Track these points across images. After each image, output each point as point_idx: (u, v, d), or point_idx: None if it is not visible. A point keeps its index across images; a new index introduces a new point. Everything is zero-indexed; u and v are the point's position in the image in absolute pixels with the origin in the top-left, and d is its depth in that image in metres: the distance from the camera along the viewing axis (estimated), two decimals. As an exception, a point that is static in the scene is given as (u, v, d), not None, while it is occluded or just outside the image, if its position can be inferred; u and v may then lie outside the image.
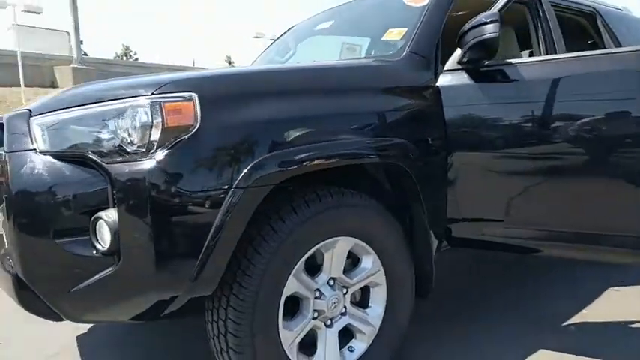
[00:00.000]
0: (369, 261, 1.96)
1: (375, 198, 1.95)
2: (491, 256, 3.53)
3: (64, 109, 1.61)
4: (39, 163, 1.55)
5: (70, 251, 1.51)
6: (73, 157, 1.54)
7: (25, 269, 1.53)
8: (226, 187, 1.52)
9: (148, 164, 1.47)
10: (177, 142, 1.50)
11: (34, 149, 1.57)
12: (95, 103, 1.57)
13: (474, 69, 2.15)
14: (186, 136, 1.50)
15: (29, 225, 1.52)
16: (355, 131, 1.85)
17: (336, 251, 1.85)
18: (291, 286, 1.73)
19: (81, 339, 2.51)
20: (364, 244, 1.92)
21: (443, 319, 2.56)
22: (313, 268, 1.85)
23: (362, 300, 2.04)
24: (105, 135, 1.52)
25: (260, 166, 1.56)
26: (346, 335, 1.97)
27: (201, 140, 1.52)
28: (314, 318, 1.84)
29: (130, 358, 2.30)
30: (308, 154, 1.67)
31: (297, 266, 1.73)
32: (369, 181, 2.07)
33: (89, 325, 2.64)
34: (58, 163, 1.54)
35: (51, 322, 1.70)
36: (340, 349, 1.93)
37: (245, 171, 1.54)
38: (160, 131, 1.48)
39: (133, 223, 1.46)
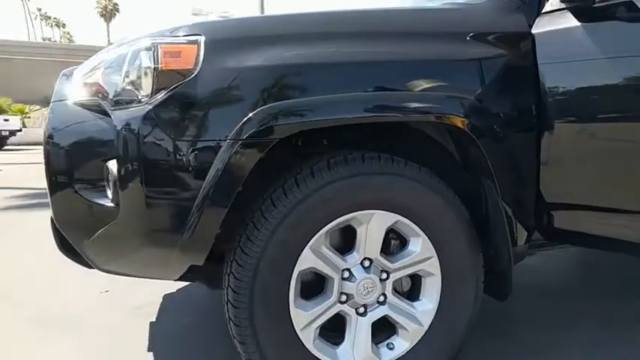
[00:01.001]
0: (418, 244, 1.62)
1: (431, 169, 1.60)
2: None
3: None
4: (67, 112, 1.60)
5: (87, 199, 1.53)
6: (93, 106, 1.56)
7: (55, 214, 1.60)
8: (222, 138, 1.37)
9: (142, 111, 1.40)
10: (175, 88, 1.39)
11: (67, 100, 1.64)
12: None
13: (584, 7, 1.62)
14: (185, 81, 1.39)
15: (56, 170, 1.57)
16: (395, 82, 1.53)
17: (370, 227, 1.56)
18: (306, 261, 1.50)
19: (166, 296, 2.62)
20: (409, 222, 1.59)
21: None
22: (348, 245, 1.60)
23: (411, 291, 1.71)
24: (113, 81, 1.50)
25: (260, 116, 1.37)
26: (389, 330, 1.68)
27: (201, 86, 1.40)
28: (341, 302, 1.58)
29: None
30: (324, 107, 1.43)
31: (315, 238, 1.50)
32: (425, 150, 1.72)
33: (179, 284, 2.75)
34: (82, 112, 1.57)
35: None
36: (377, 343, 1.65)
37: (245, 120, 1.37)
38: (155, 75, 1.40)
39: (128, 173, 1.41)
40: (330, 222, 1.51)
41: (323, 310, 1.56)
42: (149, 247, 1.46)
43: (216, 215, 1.39)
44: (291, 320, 1.51)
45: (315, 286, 1.60)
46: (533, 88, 1.65)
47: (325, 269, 1.54)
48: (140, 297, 2.60)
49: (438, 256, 1.63)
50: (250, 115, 1.37)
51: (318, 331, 1.57)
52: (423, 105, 1.55)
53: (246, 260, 1.45)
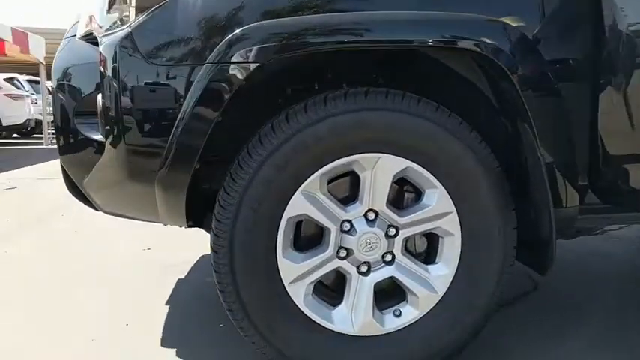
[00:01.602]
0: (433, 197, 1.38)
1: (451, 109, 1.36)
2: None
3: None
4: (71, 48, 1.57)
5: (83, 134, 1.49)
6: (93, 39, 1.51)
7: (59, 151, 1.58)
8: (202, 61, 1.24)
9: (121, 35, 1.31)
10: (155, 10, 1.28)
11: (74, 36, 1.61)
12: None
13: None
14: (166, 2, 1.28)
15: (58, 105, 1.55)
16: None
17: (375, 174, 1.35)
18: (298, 207, 1.33)
19: (203, 257, 2.60)
20: (422, 170, 1.36)
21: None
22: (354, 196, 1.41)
23: (428, 254, 1.47)
24: (101, 10, 1.43)
25: (244, 36, 1.22)
26: (400, 297, 1.46)
27: (182, 6, 1.28)
28: (340, 257, 1.40)
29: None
30: (327, 27, 1.24)
31: (308, 182, 1.32)
32: (453, 89, 1.46)
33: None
34: (83, 46, 1.54)
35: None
36: (383, 309, 1.44)
37: (225, 41, 1.23)
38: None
39: (108, 101, 1.33)
40: (326, 165, 1.32)
41: (317, 264, 1.37)
42: (131, 183, 1.37)
43: (193, 147, 1.27)
44: (278, 271, 1.35)
45: (316, 239, 1.43)
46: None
47: (321, 218, 1.36)
48: (179, 256, 2.61)
49: (458, 212, 1.38)
50: (231, 36, 1.23)
51: (312, 287, 1.39)
52: (458, 30, 1.30)
53: (228, 200, 1.31)
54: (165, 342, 1.75)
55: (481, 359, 1.58)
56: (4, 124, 10.63)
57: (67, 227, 3.34)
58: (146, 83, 1.29)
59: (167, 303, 2.08)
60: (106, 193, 1.52)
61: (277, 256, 1.35)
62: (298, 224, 1.41)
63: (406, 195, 1.45)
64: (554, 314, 1.93)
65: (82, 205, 1.72)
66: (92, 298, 2.15)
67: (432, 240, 1.46)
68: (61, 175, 1.68)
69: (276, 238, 1.34)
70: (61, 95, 1.54)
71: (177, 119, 1.27)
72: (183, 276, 2.37)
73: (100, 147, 1.43)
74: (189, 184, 1.32)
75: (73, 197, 1.71)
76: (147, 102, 1.29)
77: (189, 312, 2.00)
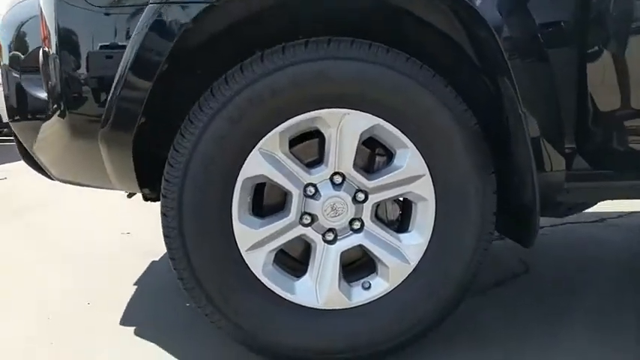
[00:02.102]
0: (405, 158, 1.26)
1: (425, 62, 1.24)
2: None
3: None
4: (19, 4, 1.47)
5: (30, 93, 1.39)
6: None
7: (8, 114, 1.48)
8: (141, 2, 1.14)
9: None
10: None
11: None
12: None
13: None
14: None
15: (10, 60, 1.45)
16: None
17: (341, 132, 1.24)
18: (254, 167, 1.22)
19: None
20: (392, 128, 1.24)
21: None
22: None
23: (401, 222, 1.36)
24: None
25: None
26: (370, 268, 1.34)
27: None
28: (304, 224, 1.28)
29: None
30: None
31: (266, 140, 1.21)
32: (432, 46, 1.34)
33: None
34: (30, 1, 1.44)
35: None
36: (352, 282, 1.32)
37: None
38: None
39: (48, 49, 1.23)
40: (285, 120, 1.21)
41: (278, 230, 1.26)
42: (77, 143, 1.27)
43: (135, 98, 1.16)
44: (233, 237, 1.24)
45: (281, 205, 1.31)
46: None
47: (281, 180, 1.24)
48: (159, 242, 2.50)
49: (431, 174, 1.26)
50: None
51: (272, 256, 1.28)
52: None
53: (177, 158, 1.20)
54: (126, 321, 1.64)
55: (462, 340, 1.47)
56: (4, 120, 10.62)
57: (50, 215, 3.25)
58: (85, 29, 1.19)
59: (136, 284, 1.97)
60: (55, 158, 1.42)
61: (232, 220, 1.23)
62: (262, 189, 1.31)
63: (377, 158, 1.33)
64: (545, 298, 1.80)
65: (73, 194, 1.61)
66: (58, 277, 2.05)
67: (406, 207, 1.34)
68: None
69: (231, 200, 1.23)
70: (8, 53, 1.44)
71: (119, 69, 1.16)
72: (157, 259, 2.27)
73: (45, 106, 1.33)
74: (141, 143, 1.22)
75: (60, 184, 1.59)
76: (86, 50, 1.19)
77: (157, 293, 1.89)
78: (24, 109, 1.41)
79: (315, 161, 1.30)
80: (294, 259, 1.36)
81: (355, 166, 1.27)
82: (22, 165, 1.74)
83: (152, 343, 1.49)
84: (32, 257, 2.34)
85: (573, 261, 2.24)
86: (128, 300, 1.81)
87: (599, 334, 1.50)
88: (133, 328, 1.57)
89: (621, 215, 2.94)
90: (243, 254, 1.25)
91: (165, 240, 1.24)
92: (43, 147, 1.40)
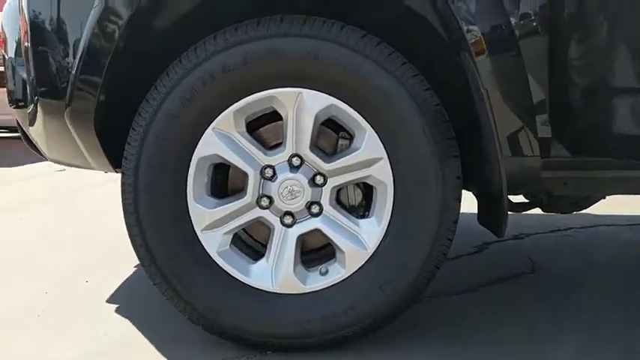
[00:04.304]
0: (362, 140, 1.22)
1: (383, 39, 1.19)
2: None
3: None
4: None
5: (21, 75, 1.47)
6: None
7: (8, 99, 1.58)
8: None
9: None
10: None
11: None
12: None
13: None
14: None
15: (4, 48, 1.55)
16: None
17: (298, 112, 1.22)
18: (209, 146, 1.22)
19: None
20: (348, 108, 1.20)
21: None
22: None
23: (365, 207, 1.31)
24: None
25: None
26: (331, 253, 1.31)
27: None
28: (262, 207, 1.27)
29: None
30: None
31: (220, 119, 1.21)
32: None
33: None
34: None
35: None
36: (311, 267, 1.30)
37: None
38: None
39: (25, 32, 1.29)
40: (239, 100, 1.21)
41: (233, 211, 1.25)
42: (50, 122, 1.33)
43: (92, 78, 1.20)
44: (189, 216, 1.25)
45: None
46: None
47: (236, 161, 1.24)
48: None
49: (390, 158, 1.21)
50: None
51: (229, 237, 1.28)
52: None
53: (133, 136, 1.23)
54: (114, 298, 1.70)
55: (440, 334, 1.40)
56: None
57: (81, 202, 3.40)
58: (52, 21, 1.24)
59: (136, 266, 2.04)
60: (42, 138, 1.49)
61: (188, 199, 1.25)
62: (225, 169, 1.31)
63: (340, 141, 1.30)
64: (541, 299, 1.68)
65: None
66: (61, 258, 2.14)
67: (369, 192, 1.30)
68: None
69: (186, 179, 1.24)
70: (7, 41, 1.54)
71: (78, 52, 1.21)
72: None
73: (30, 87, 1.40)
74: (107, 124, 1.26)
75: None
76: (53, 32, 1.25)
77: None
78: (19, 93, 1.50)
79: (278, 145, 1.29)
80: (260, 242, 1.36)
81: (313, 147, 1.25)
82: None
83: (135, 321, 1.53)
84: (49, 238, 2.47)
85: (591, 263, 2.08)
86: (125, 279, 1.87)
87: (584, 349, 1.39)
88: (116, 305, 1.63)
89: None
90: (198, 234, 1.26)
91: (124, 216, 1.27)
92: (34, 129, 1.48)
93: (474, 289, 1.75)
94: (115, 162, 1.38)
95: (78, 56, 1.21)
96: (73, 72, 1.22)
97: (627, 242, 2.36)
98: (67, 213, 3.08)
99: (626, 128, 1.11)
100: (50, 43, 1.26)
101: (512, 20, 1.16)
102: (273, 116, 1.28)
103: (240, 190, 1.30)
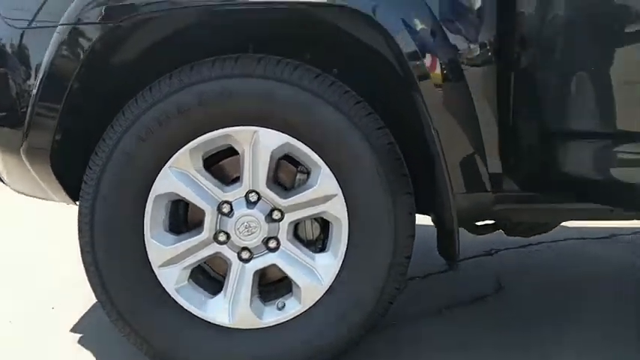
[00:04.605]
0: (317, 177, 1.24)
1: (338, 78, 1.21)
2: None
3: None
4: None
5: None
6: None
7: None
8: (51, 23, 1.17)
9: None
10: None
11: None
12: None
13: None
14: None
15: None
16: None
17: (254, 149, 1.23)
18: (166, 184, 1.23)
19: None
20: (303, 146, 1.22)
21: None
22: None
23: (323, 241, 1.33)
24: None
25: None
26: (288, 287, 1.32)
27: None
28: (220, 242, 1.28)
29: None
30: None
31: (177, 157, 1.22)
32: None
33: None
34: None
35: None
36: (267, 301, 1.31)
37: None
38: None
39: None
40: (194, 138, 1.22)
41: (191, 247, 1.26)
42: (8, 155, 1.33)
43: (47, 118, 1.21)
44: (145, 254, 1.26)
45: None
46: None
47: (193, 198, 1.25)
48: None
49: (344, 194, 1.23)
50: None
51: (187, 273, 1.29)
52: None
53: (90, 175, 1.23)
54: (78, 327, 1.70)
55: None
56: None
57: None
58: (8, 50, 1.24)
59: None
60: (3, 169, 1.49)
61: (145, 236, 1.25)
62: (185, 202, 1.32)
63: (298, 175, 1.32)
64: (511, 323, 1.71)
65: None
66: (35, 281, 2.13)
67: (326, 227, 1.32)
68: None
69: (143, 217, 1.25)
70: None
71: (35, 89, 1.21)
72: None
73: None
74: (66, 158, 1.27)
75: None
76: (5, 67, 1.24)
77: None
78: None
79: (237, 179, 1.31)
80: (220, 274, 1.37)
81: (270, 183, 1.26)
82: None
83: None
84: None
85: (558, 280, 2.11)
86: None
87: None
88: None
89: (636, 232, 2.75)
90: (155, 270, 1.26)
91: (81, 255, 1.27)
92: None
93: (439, 312, 1.77)
94: (76, 196, 1.39)
95: (32, 97, 1.21)
96: (29, 111, 1.22)
97: (595, 257, 2.41)
98: (55, 228, 3.06)
99: (571, 168, 1.14)
100: (2, 83, 1.26)
101: (461, 57, 1.18)
102: (233, 149, 1.30)
103: (200, 224, 1.31)
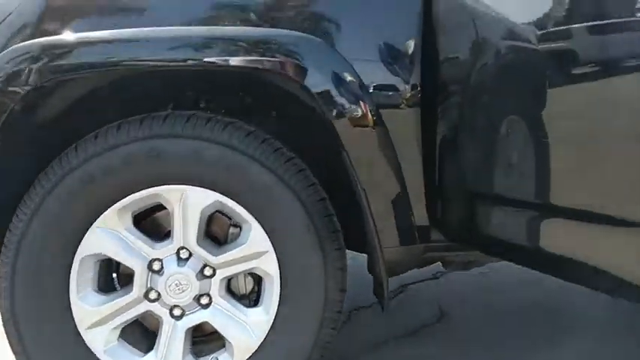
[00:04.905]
0: (248, 234, 1.25)
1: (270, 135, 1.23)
2: None
3: None
4: None
5: None
6: None
7: None
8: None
9: None
10: None
11: None
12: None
13: None
14: None
15: None
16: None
17: (184, 207, 1.22)
18: (93, 244, 1.21)
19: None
20: (234, 204, 1.22)
21: None
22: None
23: (256, 297, 1.33)
24: None
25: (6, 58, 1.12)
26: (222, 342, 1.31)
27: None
28: (151, 300, 1.26)
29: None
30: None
31: (104, 217, 1.20)
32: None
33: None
34: None
35: None
36: (200, 357, 1.30)
37: None
38: None
39: None
40: (122, 198, 1.20)
41: (120, 307, 1.24)
42: None
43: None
44: (71, 315, 1.22)
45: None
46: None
47: (122, 257, 1.23)
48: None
49: (275, 250, 1.24)
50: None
51: (117, 332, 1.26)
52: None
53: (10, 238, 1.19)
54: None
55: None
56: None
57: None
58: None
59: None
60: None
61: (70, 298, 1.22)
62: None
63: (231, 229, 1.31)
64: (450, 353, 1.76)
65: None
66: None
67: (260, 281, 1.32)
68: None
69: (69, 278, 1.21)
70: None
71: None
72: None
73: None
74: None
75: None
76: None
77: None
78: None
79: (169, 233, 1.29)
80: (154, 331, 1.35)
81: (201, 241, 1.25)
82: None
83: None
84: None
85: (496, 308, 2.18)
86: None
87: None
88: None
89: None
90: (82, 333, 1.23)
91: (2, 322, 1.22)
92: None
93: (386, 343, 1.79)
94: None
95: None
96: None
97: (539, 279, 2.50)
98: None
99: (489, 225, 1.19)
100: None
101: (382, 111, 1.21)
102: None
103: (131, 280, 1.29)
